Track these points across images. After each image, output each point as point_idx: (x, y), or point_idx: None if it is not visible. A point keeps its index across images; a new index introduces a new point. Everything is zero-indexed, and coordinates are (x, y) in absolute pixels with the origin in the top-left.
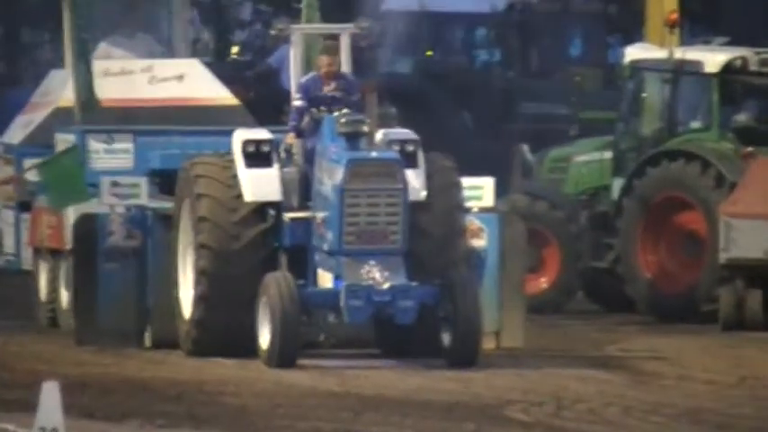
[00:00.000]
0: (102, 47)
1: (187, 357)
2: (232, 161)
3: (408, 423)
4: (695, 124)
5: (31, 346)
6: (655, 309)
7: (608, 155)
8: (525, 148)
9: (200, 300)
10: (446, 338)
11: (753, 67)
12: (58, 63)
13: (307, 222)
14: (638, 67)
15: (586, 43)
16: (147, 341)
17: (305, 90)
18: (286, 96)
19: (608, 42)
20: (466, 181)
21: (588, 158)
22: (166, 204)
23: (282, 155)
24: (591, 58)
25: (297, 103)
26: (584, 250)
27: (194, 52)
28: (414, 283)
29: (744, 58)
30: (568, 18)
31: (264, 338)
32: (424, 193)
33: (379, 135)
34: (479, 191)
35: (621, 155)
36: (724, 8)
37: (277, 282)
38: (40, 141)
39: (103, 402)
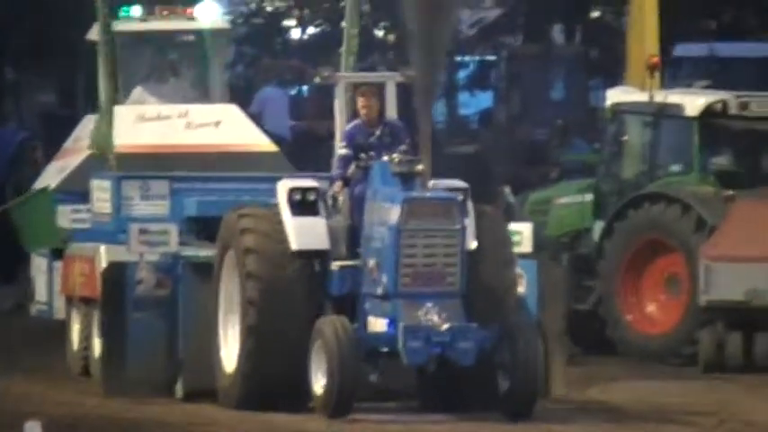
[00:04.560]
0: (137, 92)
1: (176, 400)
2: (279, 213)
3: None
4: (676, 167)
5: (17, 388)
6: (636, 351)
7: (589, 197)
8: (507, 190)
9: (248, 355)
10: (504, 385)
11: (733, 111)
12: (39, 105)
13: (355, 270)
14: (620, 109)
15: None
16: (179, 392)
17: (350, 138)
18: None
19: (589, 85)
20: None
21: (569, 201)
22: (201, 252)
23: (329, 203)
24: None
25: (342, 151)
26: (566, 293)
27: None
28: (473, 325)
29: (724, 102)
30: None
31: (320, 384)
32: (474, 243)
33: (431, 183)
34: (518, 237)
35: (603, 197)
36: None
37: (332, 325)
38: (74, 187)
39: None
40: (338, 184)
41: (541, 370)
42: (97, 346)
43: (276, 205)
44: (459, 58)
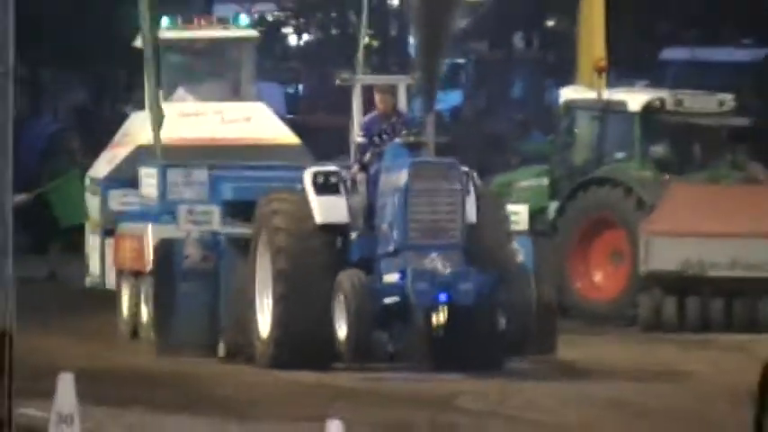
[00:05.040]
0: (179, 91)
1: (218, 359)
2: (305, 197)
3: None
4: (620, 155)
5: (51, 344)
6: (585, 314)
7: (545, 181)
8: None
9: (279, 320)
10: (502, 323)
11: (669, 107)
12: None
13: (372, 237)
14: (572, 105)
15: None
16: (221, 352)
17: (366, 128)
18: None
19: (545, 85)
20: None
21: (528, 184)
22: (239, 230)
23: (348, 185)
24: None
25: (359, 140)
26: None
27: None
28: (473, 269)
29: (662, 99)
30: None
31: (342, 330)
32: (474, 218)
33: None
34: (516, 216)
35: (557, 181)
36: (646, 55)
37: (350, 277)
38: (123, 175)
39: (113, 391)
40: (356, 167)
41: (534, 309)
42: (144, 312)
43: (303, 190)
44: None
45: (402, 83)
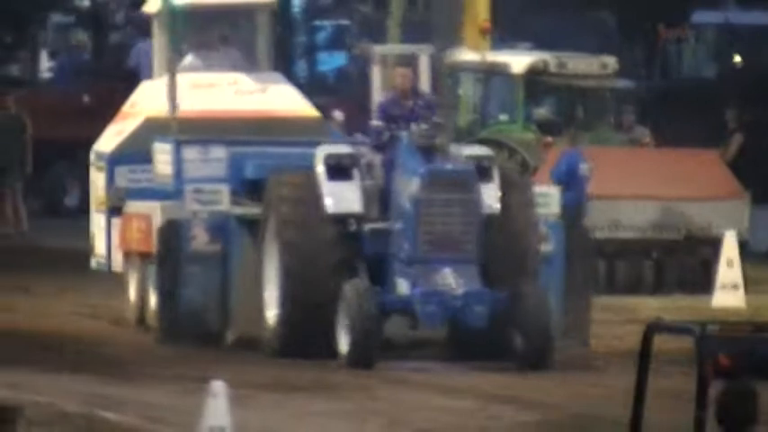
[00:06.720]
0: (189, 60)
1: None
2: (316, 178)
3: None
4: (503, 117)
5: None
6: None
7: None
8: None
9: (286, 322)
10: (518, 341)
11: (552, 69)
12: None
13: (386, 232)
14: (456, 67)
15: None
16: (229, 340)
17: (383, 109)
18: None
19: None
20: (535, 189)
21: None
22: (251, 211)
23: (364, 169)
24: None
25: (375, 122)
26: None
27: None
28: (487, 290)
29: (545, 61)
30: None
31: (344, 343)
32: (497, 206)
33: (455, 150)
34: (547, 198)
35: None
36: (530, 18)
37: (355, 288)
38: (131, 149)
39: None
40: (371, 150)
41: (550, 329)
42: (153, 297)
43: (314, 171)
44: (317, 23)
45: (424, 53)
